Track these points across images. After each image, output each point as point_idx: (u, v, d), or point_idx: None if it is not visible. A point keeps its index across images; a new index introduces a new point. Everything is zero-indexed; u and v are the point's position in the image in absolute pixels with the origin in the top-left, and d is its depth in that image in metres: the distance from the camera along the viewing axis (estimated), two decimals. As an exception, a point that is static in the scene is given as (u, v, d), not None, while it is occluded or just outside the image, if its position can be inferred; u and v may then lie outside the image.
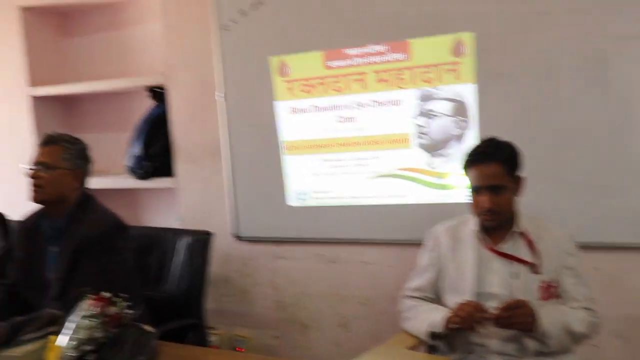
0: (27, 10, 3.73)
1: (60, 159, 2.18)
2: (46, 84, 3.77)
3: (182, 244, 2.53)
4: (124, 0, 3.65)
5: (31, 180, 2.17)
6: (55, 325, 1.78)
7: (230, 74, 3.00)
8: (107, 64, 3.80)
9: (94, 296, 1.64)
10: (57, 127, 3.85)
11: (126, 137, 3.47)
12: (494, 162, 1.90)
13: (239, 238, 3.13)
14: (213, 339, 2.99)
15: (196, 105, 3.16)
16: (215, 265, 2.70)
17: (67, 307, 1.86)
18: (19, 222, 2.38)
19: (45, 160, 2.17)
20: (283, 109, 2.91)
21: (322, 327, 3.05)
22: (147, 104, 3.42)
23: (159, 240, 2.61)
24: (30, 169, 2.18)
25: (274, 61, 2.88)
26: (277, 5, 2.84)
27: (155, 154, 3.27)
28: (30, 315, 1.97)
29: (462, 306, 1.86)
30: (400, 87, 2.64)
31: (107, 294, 1.63)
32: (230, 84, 3.01)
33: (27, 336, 1.82)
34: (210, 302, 2.64)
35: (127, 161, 3.33)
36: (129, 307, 1.65)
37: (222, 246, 2.94)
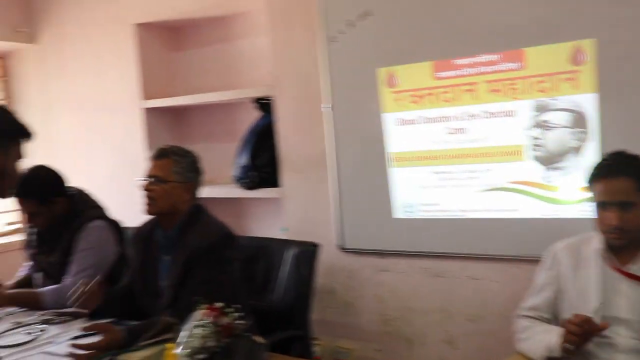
0: (141, 27, 3.93)
1: (172, 172, 2.24)
2: (158, 96, 3.95)
3: (289, 255, 2.55)
4: (232, 14, 3.77)
5: (144, 193, 2.25)
6: (170, 332, 1.84)
7: (337, 86, 3.01)
8: (216, 76, 3.93)
9: (207, 306, 1.66)
10: (167, 138, 4.05)
11: (233, 147, 3.56)
12: (624, 177, 1.80)
13: (344, 249, 3.12)
14: (316, 349, 2.99)
15: (302, 117, 3.19)
16: (320, 276, 2.70)
17: (179, 315, 1.91)
18: (134, 229, 2.48)
19: (157, 174, 2.24)
20: (390, 120, 2.87)
21: (427, 342, 2.98)
22: (253, 115, 3.50)
23: (266, 250, 2.65)
24: (144, 181, 2.26)
25: (382, 72, 2.85)
26: (385, 16, 2.82)
27: (262, 164, 3.33)
28: (145, 321, 2.05)
29: (577, 324, 1.74)
30: (515, 98, 2.54)
31: (219, 304, 1.66)
32: (337, 96, 3.02)
33: (143, 342, 1.89)
34: (314, 313, 2.64)
35: (234, 171, 3.42)
36: (240, 318, 1.66)
37: (326, 257, 2.93)
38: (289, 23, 3.18)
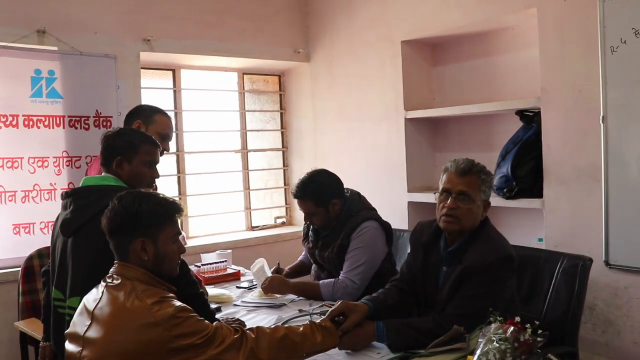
0: (406, 44, 4.18)
1: (478, 191, 2.17)
2: (418, 108, 4.17)
3: (558, 267, 2.47)
4: (496, 30, 3.83)
5: (446, 209, 2.17)
6: (459, 341, 1.89)
7: (613, 97, 2.91)
8: (474, 89, 4.03)
9: (508, 320, 1.63)
10: (424, 147, 4.25)
11: (488, 156, 3.61)
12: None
13: (609, 265, 3.00)
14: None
15: (572, 128, 3.14)
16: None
17: (441, 325, 2.01)
18: (413, 231, 2.49)
19: (466, 191, 2.16)
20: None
21: None
22: (512, 127, 3.52)
23: (532, 260, 2.57)
24: (443, 196, 2.19)
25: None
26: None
27: (523, 174, 3.33)
28: (433, 327, 2.08)
29: None
30: None
31: (518, 319, 1.62)
32: (611, 107, 2.91)
33: (433, 349, 1.90)
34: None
35: (494, 180, 3.45)
36: (536, 334, 1.60)
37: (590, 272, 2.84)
38: (562, 34, 3.15)
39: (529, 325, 1.62)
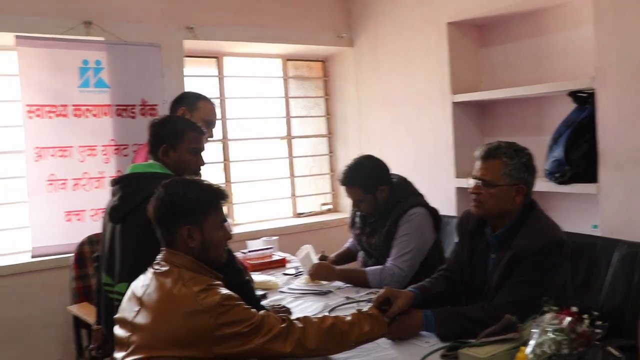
0: (452, 25, 4.08)
1: (500, 175, 2.12)
2: (465, 91, 4.07)
3: (615, 255, 2.36)
4: (545, 8, 3.69)
5: (472, 194, 2.18)
6: (511, 331, 1.82)
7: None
8: (523, 70, 3.90)
9: (560, 310, 1.57)
10: (473, 131, 4.15)
11: (539, 140, 3.50)
12: None
13: (669, 253, 2.85)
14: None
15: (630, 109, 2.98)
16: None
17: (492, 314, 1.95)
18: (459, 219, 2.46)
19: (485, 177, 2.14)
20: None
21: None
22: (564, 109, 3.38)
23: (587, 247, 2.47)
24: (471, 183, 2.18)
25: None
26: None
27: (576, 158, 3.20)
28: (475, 309, 2.07)
29: None
30: None
31: (575, 309, 1.56)
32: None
33: (485, 338, 1.84)
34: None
35: (546, 165, 3.34)
36: (594, 326, 1.53)
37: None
38: (619, 9, 2.99)
39: (586, 315, 1.54)
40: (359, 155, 3.02)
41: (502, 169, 2.12)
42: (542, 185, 3.43)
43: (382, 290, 2.10)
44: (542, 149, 3.35)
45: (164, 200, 1.82)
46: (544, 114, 3.80)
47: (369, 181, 2.86)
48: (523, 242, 2.07)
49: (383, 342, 2.02)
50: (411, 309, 2.10)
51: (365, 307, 2.05)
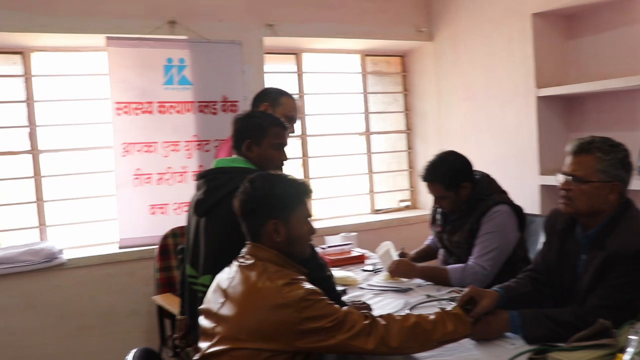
0: (537, 16, 3.93)
1: (593, 171, 2.00)
2: (551, 85, 3.91)
3: None
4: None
5: (561, 191, 2.08)
6: (605, 336, 1.74)
7: None
8: (615, 62, 3.71)
9: None
10: (559, 126, 4.00)
11: (631, 136, 3.33)
12: None
13: None
14: None
15: None
16: None
17: (583, 318, 1.86)
18: (547, 218, 2.34)
19: (576, 173, 2.03)
20: None
21: None
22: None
23: None
24: (561, 178, 2.07)
25: None
26: None
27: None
28: (567, 311, 1.98)
29: None
30: None
31: None
32: None
33: (576, 343, 1.77)
34: None
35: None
36: None
37: None
38: None
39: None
40: (441, 151, 2.97)
41: (596, 165, 2.00)
42: (637, 183, 3.26)
43: (466, 289, 2.05)
44: (635, 145, 3.17)
45: (251, 194, 1.84)
46: (638, 108, 3.60)
47: (452, 177, 2.80)
48: (618, 243, 1.95)
49: (467, 342, 1.97)
50: (496, 309, 2.03)
51: (448, 306, 2.01)
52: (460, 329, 1.87)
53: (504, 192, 2.90)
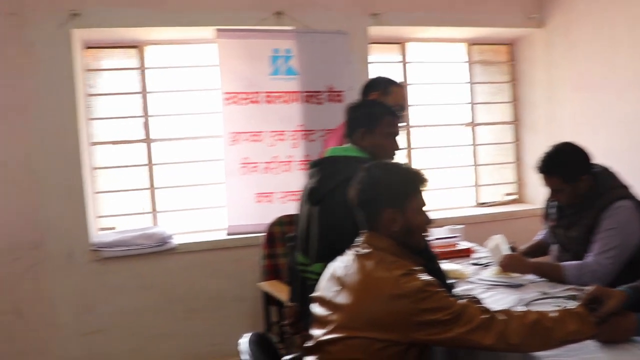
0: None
1: None
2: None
3: None
4: None
5: None
6: None
7: None
8: None
9: None
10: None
11: None
12: None
13: None
14: None
15: None
16: None
17: None
18: None
19: None
20: None
21: None
22: None
23: None
24: None
25: None
26: None
27: None
28: None
29: None
30: None
31: None
32: None
33: None
34: None
35: None
36: None
37: None
38: None
39: None
40: (556, 142, 2.83)
41: None
42: None
43: (591, 288, 1.94)
44: None
45: (367, 183, 1.83)
46: None
47: (570, 170, 2.66)
48: None
49: (590, 343, 1.85)
50: (624, 310, 1.91)
51: (566, 305, 1.90)
52: (584, 329, 1.77)
53: (626, 187, 2.72)
